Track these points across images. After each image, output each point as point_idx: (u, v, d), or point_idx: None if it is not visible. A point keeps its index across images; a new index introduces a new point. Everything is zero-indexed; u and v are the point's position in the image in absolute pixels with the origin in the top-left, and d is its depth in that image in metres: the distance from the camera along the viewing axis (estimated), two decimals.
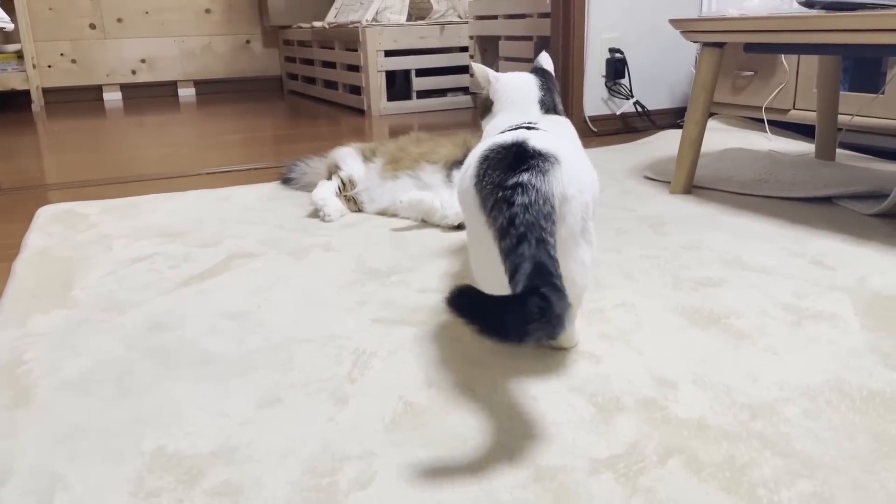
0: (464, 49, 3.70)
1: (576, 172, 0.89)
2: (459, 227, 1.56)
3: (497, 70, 1.19)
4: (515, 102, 1.15)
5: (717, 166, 2.03)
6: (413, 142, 1.78)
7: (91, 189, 2.10)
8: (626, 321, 1.07)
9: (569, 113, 2.66)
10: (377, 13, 3.63)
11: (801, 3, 1.56)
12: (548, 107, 1.14)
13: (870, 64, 2.25)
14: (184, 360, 1.00)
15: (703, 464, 0.74)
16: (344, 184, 1.74)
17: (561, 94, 2.68)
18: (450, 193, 1.57)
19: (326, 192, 1.70)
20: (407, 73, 3.68)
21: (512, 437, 0.80)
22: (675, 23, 1.76)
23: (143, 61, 4.71)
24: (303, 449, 0.79)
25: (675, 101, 2.86)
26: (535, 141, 0.90)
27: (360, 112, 3.65)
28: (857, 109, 2.11)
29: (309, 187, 1.84)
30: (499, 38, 3.27)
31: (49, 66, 4.48)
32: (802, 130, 2.44)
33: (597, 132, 2.73)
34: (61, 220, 1.72)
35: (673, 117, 2.84)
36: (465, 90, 3.78)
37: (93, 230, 1.64)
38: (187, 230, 1.62)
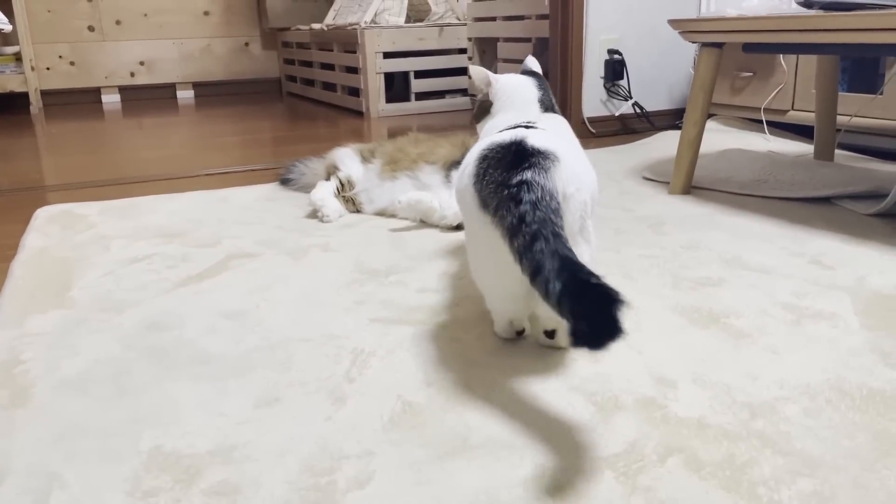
0: (462, 51, 3.70)
1: (574, 171, 0.89)
2: (458, 227, 1.56)
3: (496, 72, 1.19)
4: (516, 102, 1.15)
5: (716, 167, 2.03)
6: (411, 142, 1.78)
7: (89, 190, 2.09)
8: (626, 321, 1.07)
9: (568, 114, 2.68)
10: (376, 15, 3.63)
11: (799, 4, 1.56)
12: (546, 106, 1.14)
13: (868, 65, 2.25)
14: (182, 359, 1.00)
15: (702, 463, 0.74)
16: (342, 184, 1.74)
17: (560, 95, 2.70)
18: (448, 194, 1.57)
19: (325, 192, 1.70)
20: (405, 74, 3.68)
21: (511, 436, 0.79)
22: (673, 23, 1.76)
23: (141, 63, 4.71)
24: (301, 448, 0.79)
25: (673, 102, 2.86)
26: (534, 139, 0.90)
27: (359, 114, 3.65)
28: (855, 110, 2.11)
29: (307, 188, 1.84)
30: (497, 39, 3.27)
31: (47, 69, 4.48)
32: (801, 131, 2.44)
33: (595, 133, 2.73)
34: (59, 221, 1.72)
35: (672, 118, 2.84)
36: (463, 92, 3.78)
37: (91, 231, 1.64)
38: (186, 231, 1.62)
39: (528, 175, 0.85)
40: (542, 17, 2.85)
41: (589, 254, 0.93)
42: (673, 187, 1.82)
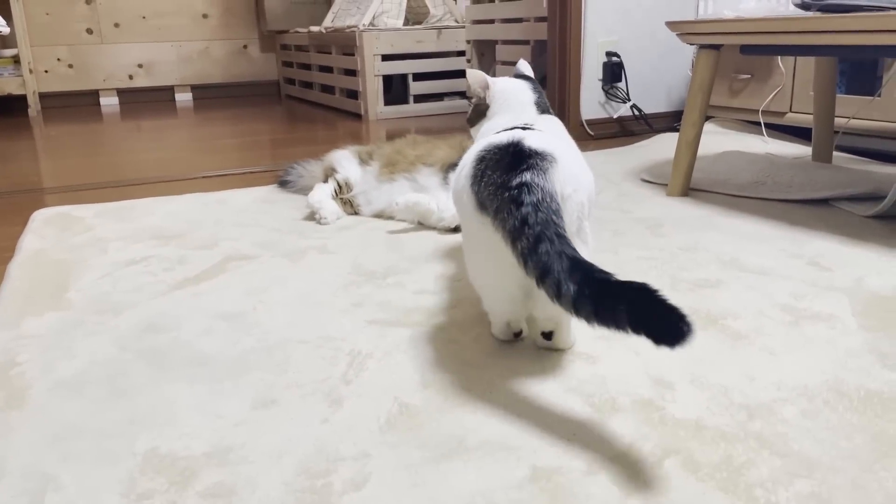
0: (461, 53, 3.70)
1: (572, 172, 0.89)
2: (456, 229, 1.55)
3: (494, 74, 1.19)
4: (513, 105, 1.15)
5: (714, 169, 2.03)
6: (409, 144, 1.77)
7: (87, 192, 2.09)
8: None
9: (566, 116, 2.69)
10: (374, 17, 3.63)
11: (796, 5, 1.56)
12: (542, 108, 1.15)
13: (866, 67, 2.25)
14: (178, 361, 1.00)
15: (700, 464, 0.74)
16: (340, 186, 1.74)
17: (558, 97, 2.70)
18: (446, 196, 1.57)
19: (323, 194, 1.70)
20: (404, 77, 3.68)
21: (507, 438, 0.79)
22: (671, 25, 1.76)
23: (140, 66, 4.71)
24: (297, 450, 0.78)
25: (672, 104, 2.87)
26: (532, 140, 0.90)
27: (358, 116, 3.65)
28: (853, 112, 2.11)
29: (305, 190, 1.84)
30: (496, 42, 3.27)
31: (46, 71, 4.48)
32: (799, 133, 2.44)
33: (594, 136, 2.73)
34: (56, 223, 1.71)
35: (670, 121, 2.84)
36: (462, 94, 3.78)
37: (88, 233, 1.63)
38: (183, 233, 1.62)
39: (527, 177, 0.84)
40: (541, 19, 2.85)
41: (586, 255, 0.92)
42: (671, 189, 1.82)
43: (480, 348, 1.00)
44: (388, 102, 3.61)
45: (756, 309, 1.10)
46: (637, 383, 0.90)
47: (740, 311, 1.10)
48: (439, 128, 3.18)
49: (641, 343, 0.99)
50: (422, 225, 1.62)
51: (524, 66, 1.26)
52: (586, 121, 2.73)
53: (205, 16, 4.81)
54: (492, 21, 3.27)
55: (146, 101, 4.77)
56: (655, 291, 0.72)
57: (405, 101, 3.68)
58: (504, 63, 3.18)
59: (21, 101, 4.20)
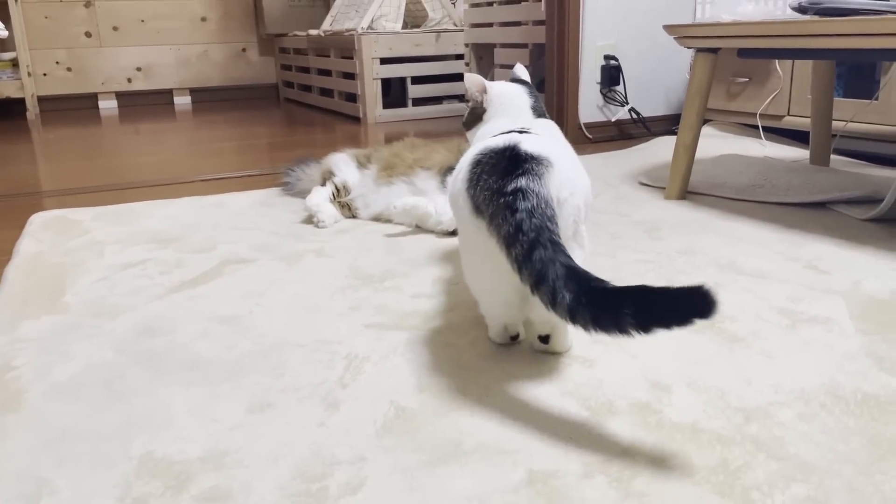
0: (459, 57, 3.70)
1: (568, 175, 0.89)
2: (453, 233, 1.55)
3: (493, 78, 1.20)
4: (509, 109, 1.15)
5: (712, 172, 2.03)
6: (407, 148, 1.77)
7: (85, 196, 2.09)
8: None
9: (564, 120, 2.69)
10: (373, 21, 3.64)
11: (794, 9, 1.57)
12: (539, 113, 1.15)
13: (863, 70, 2.26)
14: (174, 364, 1.00)
15: (696, 468, 0.73)
16: (338, 190, 1.74)
17: (556, 101, 2.70)
18: (444, 199, 1.57)
19: (320, 198, 1.70)
20: (402, 80, 3.68)
21: (504, 442, 0.79)
22: (669, 28, 1.76)
23: (138, 69, 4.71)
24: (293, 454, 0.78)
25: (670, 107, 2.87)
26: (527, 145, 0.90)
27: (356, 119, 3.65)
28: (851, 115, 2.11)
29: (303, 193, 1.84)
30: (494, 45, 3.27)
31: (44, 75, 4.48)
32: (797, 136, 2.44)
33: (592, 139, 2.73)
34: (54, 227, 1.71)
35: (668, 124, 2.84)
36: (460, 98, 3.78)
37: (85, 236, 1.63)
38: (180, 236, 1.62)
39: (522, 182, 0.84)
40: (539, 23, 2.85)
41: (582, 258, 0.92)
42: (669, 192, 1.82)
43: (477, 352, 1.00)
44: (386, 106, 3.62)
45: (753, 312, 1.10)
46: (634, 386, 0.90)
47: (737, 314, 1.10)
48: (437, 131, 3.18)
49: (638, 346, 1.00)
50: (420, 228, 1.62)
51: (521, 71, 1.27)
52: (584, 124, 2.73)
53: (203, 19, 4.82)
54: (490, 25, 3.27)
55: (145, 104, 4.77)
56: (654, 286, 0.73)
57: (404, 105, 3.68)
58: (502, 66, 3.18)
59: (20, 104, 4.20)
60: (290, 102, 4.70)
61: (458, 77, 3.71)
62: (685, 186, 1.82)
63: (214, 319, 1.14)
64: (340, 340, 1.05)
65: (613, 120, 2.78)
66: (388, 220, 1.68)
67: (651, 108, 2.82)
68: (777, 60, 2.35)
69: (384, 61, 3.54)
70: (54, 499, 0.72)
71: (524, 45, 3.02)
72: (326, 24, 4.06)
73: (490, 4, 3.25)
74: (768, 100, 2.39)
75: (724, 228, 1.54)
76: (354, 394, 0.90)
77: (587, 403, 0.86)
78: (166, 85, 4.79)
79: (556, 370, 0.94)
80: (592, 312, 0.75)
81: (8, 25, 3.99)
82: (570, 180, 0.89)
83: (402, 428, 0.82)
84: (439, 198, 1.59)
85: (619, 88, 2.73)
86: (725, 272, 1.28)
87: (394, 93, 3.81)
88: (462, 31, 3.61)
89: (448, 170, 1.61)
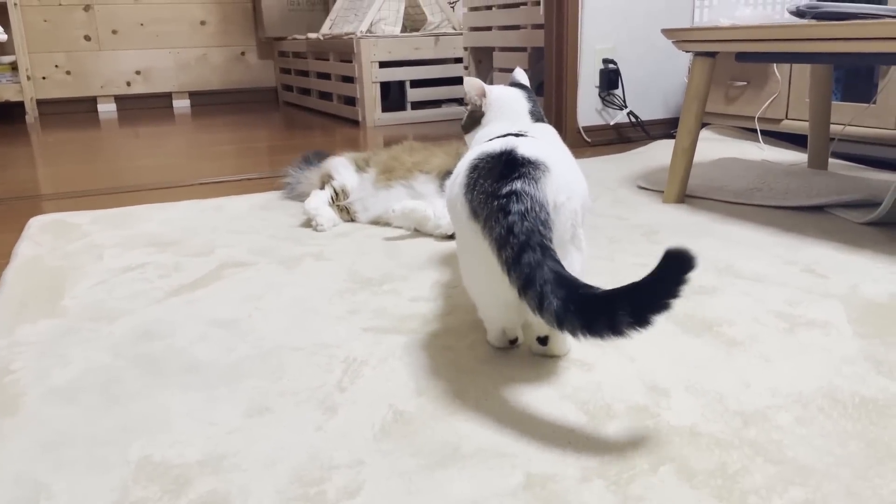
0: (458, 60, 3.71)
1: (565, 179, 0.89)
2: (452, 236, 1.55)
3: (492, 81, 1.20)
4: (508, 113, 1.15)
5: (710, 175, 2.03)
6: (406, 151, 1.78)
7: (84, 199, 2.09)
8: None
9: (563, 123, 2.69)
10: (372, 24, 3.64)
11: (791, 13, 1.57)
12: (537, 117, 1.15)
13: (861, 74, 2.26)
14: (172, 368, 1.00)
15: (694, 471, 0.73)
16: (337, 193, 1.74)
17: (555, 104, 2.71)
18: (443, 203, 1.57)
19: (319, 201, 1.70)
20: (401, 84, 3.68)
21: (502, 445, 0.79)
22: (667, 32, 1.77)
23: (138, 73, 4.71)
24: (291, 458, 0.78)
25: (668, 111, 2.87)
26: (525, 148, 0.90)
27: (355, 123, 3.66)
28: (849, 119, 2.12)
29: (302, 197, 1.84)
30: (493, 49, 3.28)
31: (44, 78, 4.48)
32: (795, 140, 2.45)
33: (590, 142, 2.74)
34: (52, 230, 1.71)
35: (666, 127, 2.85)
36: (459, 101, 3.79)
37: (84, 240, 1.63)
38: (179, 239, 1.62)
39: (517, 185, 0.85)
40: (538, 26, 2.86)
41: (580, 262, 0.93)
42: (667, 196, 1.83)
43: (475, 355, 1.00)
44: (385, 109, 3.62)
45: (751, 316, 1.10)
46: (632, 390, 0.90)
47: (735, 317, 1.10)
48: (436, 135, 3.18)
49: (636, 349, 1.00)
50: (418, 232, 1.62)
51: (520, 75, 1.27)
52: (583, 127, 2.73)
53: (203, 23, 4.82)
54: (489, 28, 3.27)
55: (144, 107, 4.77)
56: (639, 280, 0.74)
57: (403, 108, 3.69)
58: (501, 70, 3.18)
59: (19, 107, 4.20)
60: (290, 106, 4.70)
61: (457, 80, 3.71)
62: (683, 190, 1.82)
63: (213, 323, 1.14)
64: (339, 344, 1.05)
65: (612, 123, 2.78)
66: (387, 224, 1.68)
67: (649, 111, 2.83)
68: (775, 64, 2.35)
69: (383, 65, 3.55)
70: (51, 503, 0.72)
71: (523, 49, 3.02)
72: (325, 28, 4.06)
73: (489, 8, 3.25)
74: (766, 103, 2.40)
75: (722, 232, 1.55)
76: (352, 397, 0.90)
77: (585, 407, 0.86)
78: (165, 88, 4.79)
79: (554, 374, 0.94)
80: (583, 319, 0.75)
81: (7, 29, 3.99)
82: (567, 184, 0.89)
83: (401, 432, 0.82)
84: (438, 201, 1.59)
85: (618, 92, 2.74)
86: (723, 275, 1.28)
87: (393, 96, 3.82)
88: (461, 34, 3.61)
89: (447, 173, 1.61)
